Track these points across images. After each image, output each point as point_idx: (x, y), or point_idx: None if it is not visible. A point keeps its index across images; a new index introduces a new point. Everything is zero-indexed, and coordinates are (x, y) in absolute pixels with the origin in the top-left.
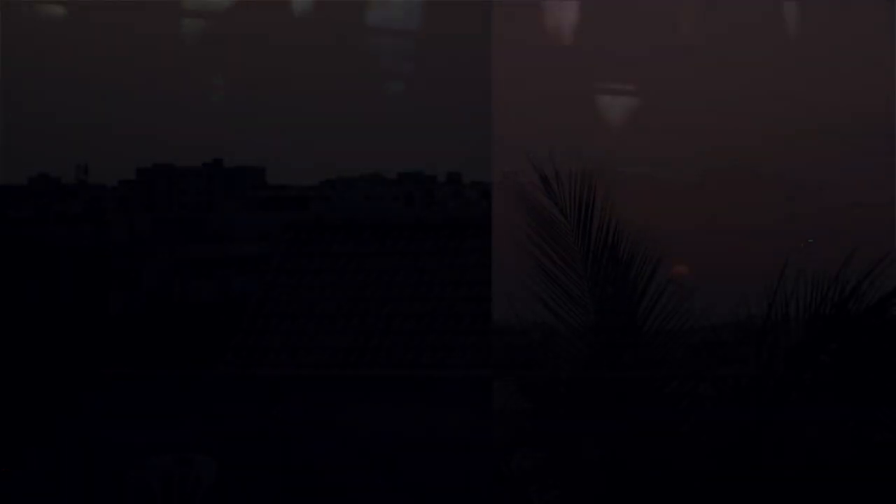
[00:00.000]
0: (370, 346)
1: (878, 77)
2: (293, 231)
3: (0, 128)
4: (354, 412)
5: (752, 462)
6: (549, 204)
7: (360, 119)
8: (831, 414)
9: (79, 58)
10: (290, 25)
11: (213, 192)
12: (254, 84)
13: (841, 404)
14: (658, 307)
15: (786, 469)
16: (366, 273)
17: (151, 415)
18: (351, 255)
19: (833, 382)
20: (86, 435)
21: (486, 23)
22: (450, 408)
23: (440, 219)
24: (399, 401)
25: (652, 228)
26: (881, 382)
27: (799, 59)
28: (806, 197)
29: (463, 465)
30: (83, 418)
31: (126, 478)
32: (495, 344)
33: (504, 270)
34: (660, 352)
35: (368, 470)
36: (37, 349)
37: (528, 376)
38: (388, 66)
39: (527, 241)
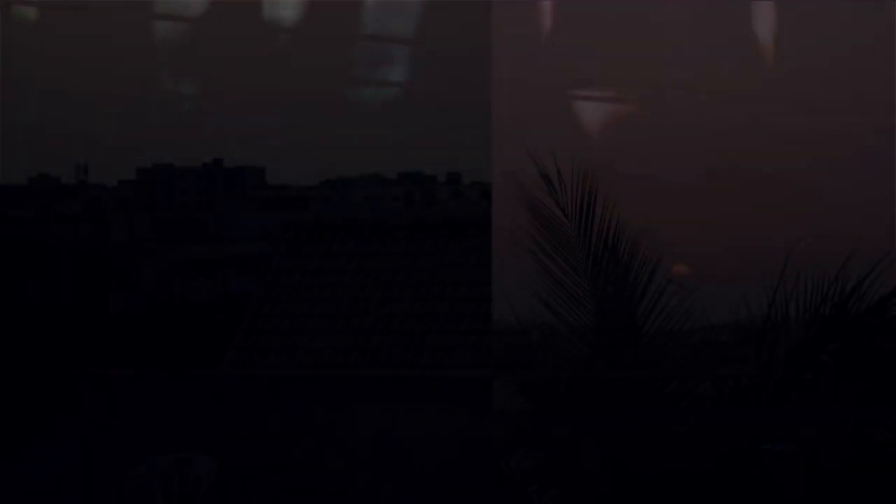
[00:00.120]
0: (370, 346)
1: (879, 76)
2: (293, 231)
3: (0, 128)
4: (354, 412)
5: (752, 462)
6: (549, 204)
7: (361, 119)
8: (831, 414)
9: (79, 57)
10: (288, 26)
11: (213, 192)
12: (254, 84)
13: (841, 404)
14: (658, 307)
15: (786, 469)
16: (366, 273)
17: (151, 415)
18: (351, 255)
19: (833, 382)
20: (85, 435)
21: (486, 22)
22: (450, 408)
23: (440, 219)
24: (399, 401)
25: (652, 228)
26: (881, 382)
27: (799, 58)
28: (806, 197)
29: (463, 465)
30: (82, 418)
31: (125, 478)
32: (495, 344)
33: (504, 270)
34: (660, 352)
35: (368, 470)
36: (37, 348)
37: (528, 376)
38: (388, 66)
39: (527, 241)
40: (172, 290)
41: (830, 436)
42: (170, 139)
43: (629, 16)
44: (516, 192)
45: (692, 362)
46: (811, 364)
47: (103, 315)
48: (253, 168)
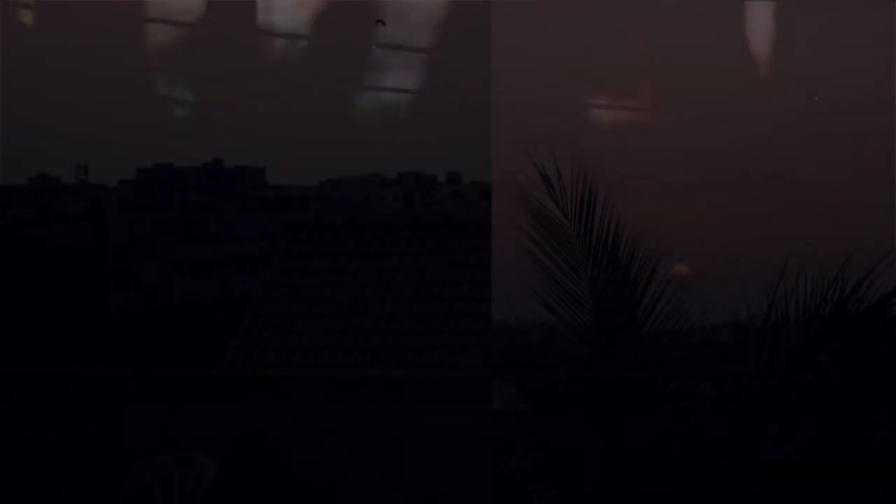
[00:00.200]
0: (370, 346)
1: (879, 76)
2: (293, 231)
3: (0, 128)
4: (354, 412)
5: (752, 462)
6: (549, 204)
7: (361, 119)
8: (831, 414)
9: (79, 57)
10: (289, 26)
11: (213, 192)
12: (254, 84)
13: (841, 404)
14: (658, 307)
15: (786, 469)
16: (366, 273)
17: (151, 415)
18: (351, 255)
19: (833, 382)
20: (85, 435)
21: (486, 22)
22: (450, 408)
23: (440, 219)
24: (399, 401)
25: (652, 228)
26: (881, 382)
27: (799, 58)
28: (806, 197)
29: (463, 465)
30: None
31: (126, 478)
32: (495, 344)
33: (504, 270)
34: (660, 352)
35: (368, 470)
36: (36, 348)
37: (527, 376)
38: (388, 66)
39: (527, 241)
40: (172, 290)
41: (830, 436)
42: (170, 139)
43: (629, 16)
44: (516, 193)
45: (692, 362)
46: (811, 364)
47: (103, 315)
48: (253, 168)
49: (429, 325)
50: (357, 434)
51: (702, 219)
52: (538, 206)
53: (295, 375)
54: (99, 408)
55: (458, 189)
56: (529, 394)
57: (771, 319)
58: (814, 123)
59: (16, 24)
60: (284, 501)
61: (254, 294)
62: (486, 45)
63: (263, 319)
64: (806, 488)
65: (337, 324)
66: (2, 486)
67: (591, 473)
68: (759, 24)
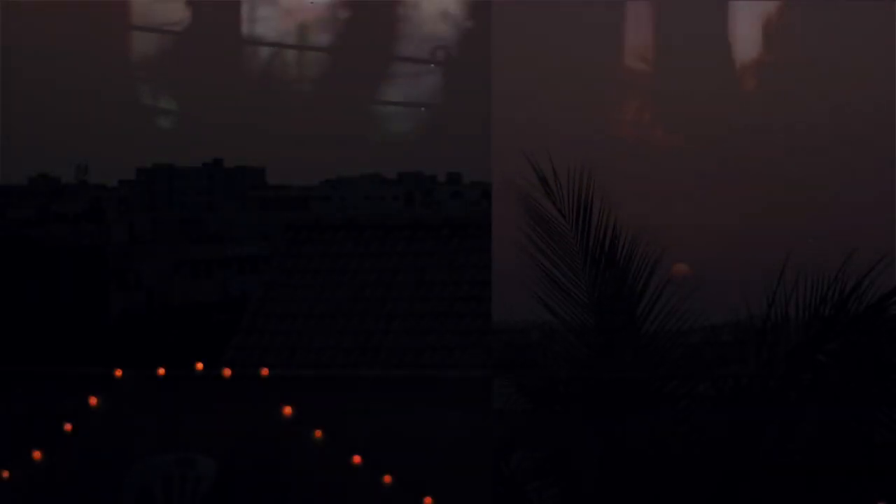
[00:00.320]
0: (370, 346)
1: (879, 76)
2: (293, 231)
3: (0, 128)
4: (354, 412)
5: (752, 462)
6: (547, 204)
7: (361, 119)
8: (831, 414)
9: (79, 57)
10: (288, 27)
11: (213, 192)
12: (254, 84)
13: (841, 404)
14: (657, 307)
15: (786, 469)
16: (366, 273)
17: (151, 415)
18: (351, 255)
19: (833, 382)
20: (84, 435)
21: (486, 22)
22: (450, 408)
23: (440, 219)
24: (399, 401)
25: (651, 228)
26: (881, 382)
27: (799, 58)
28: (806, 197)
29: (463, 465)
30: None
31: (126, 478)
32: (495, 344)
33: (504, 270)
34: (659, 352)
35: (367, 470)
36: (36, 348)
37: (527, 376)
38: (389, 66)
39: (526, 242)
40: (172, 290)
41: (830, 436)
42: (170, 139)
43: (629, 16)
44: (515, 193)
45: (691, 362)
46: (811, 364)
47: (103, 315)
48: (253, 168)
49: (429, 325)
50: (357, 434)
51: (701, 219)
52: (537, 207)
53: (295, 375)
54: (99, 408)
55: (458, 189)
56: (529, 394)
57: (771, 319)
58: (814, 124)
59: (16, 24)
60: (284, 501)
61: (254, 294)
62: (486, 46)
63: (263, 319)
64: (806, 488)
65: (337, 324)
66: (2, 485)
67: (591, 473)
68: (759, 25)
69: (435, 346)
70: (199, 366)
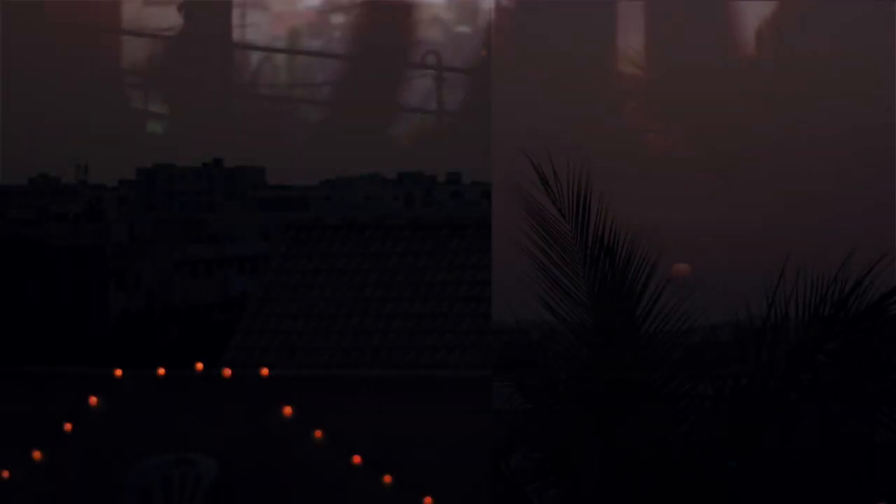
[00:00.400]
0: (370, 346)
1: (879, 77)
2: (293, 231)
3: (0, 128)
4: (354, 412)
5: (751, 462)
6: (547, 203)
7: (361, 119)
8: (831, 414)
9: (79, 57)
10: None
11: (213, 192)
12: (255, 85)
13: (841, 404)
14: (657, 307)
15: (785, 469)
16: (366, 273)
17: (151, 415)
18: (351, 255)
19: (833, 382)
20: (84, 434)
21: (487, 22)
22: (450, 408)
23: (440, 219)
24: (399, 401)
25: (651, 228)
26: (881, 382)
27: (800, 59)
28: (807, 197)
29: (463, 465)
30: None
31: (126, 478)
32: (495, 344)
33: (504, 270)
34: (659, 352)
35: (367, 470)
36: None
37: (527, 376)
38: (389, 66)
39: (526, 242)
40: (172, 290)
41: (830, 436)
42: (170, 139)
43: (629, 17)
44: (513, 193)
45: (691, 362)
46: (811, 364)
47: (103, 315)
48: (253, 168)
49: (429, 325)
50: (357, 434)
51: (701, 219)
52: (536, 207)
53: (295, 375)
54: (99, 408)
55: (458, 189)
56: (529, 394)
57: (771, 319)
58: (815, 124)
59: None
60: (284, 501)
61: (254, 294)
62: (487, 46)
63: (263, 319)
64: (805, 488)
65: (337, 324)
66: (2, 485)
67: (591, 473)
68: (760, 26)
69: (435, 346)
70: (199, 366)
